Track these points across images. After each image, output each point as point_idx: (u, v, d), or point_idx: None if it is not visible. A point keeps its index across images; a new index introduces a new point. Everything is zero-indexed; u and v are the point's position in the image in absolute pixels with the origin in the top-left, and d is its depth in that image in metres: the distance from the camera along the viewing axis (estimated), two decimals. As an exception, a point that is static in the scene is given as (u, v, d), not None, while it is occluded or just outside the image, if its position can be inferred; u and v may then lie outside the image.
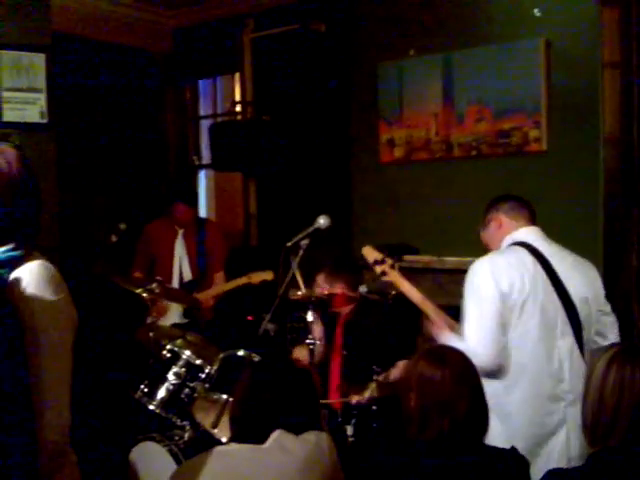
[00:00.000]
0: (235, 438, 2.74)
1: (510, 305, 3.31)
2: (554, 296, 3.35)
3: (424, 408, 2.63)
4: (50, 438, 2.23)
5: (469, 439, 2.62)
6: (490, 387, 3.29)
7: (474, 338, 3.31)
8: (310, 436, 2.73)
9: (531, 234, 3.50)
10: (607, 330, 3.54)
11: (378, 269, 3.86)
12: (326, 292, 4.60)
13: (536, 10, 5.56)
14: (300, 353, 4.60)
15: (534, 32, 5.58)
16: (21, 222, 2.33)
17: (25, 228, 2.34)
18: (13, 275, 2.23)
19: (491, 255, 3.53)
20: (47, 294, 2.25)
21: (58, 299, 2.28)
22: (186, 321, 5.76)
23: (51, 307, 2.26)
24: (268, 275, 5.51)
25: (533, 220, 3.58)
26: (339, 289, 4.65)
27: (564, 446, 3.30)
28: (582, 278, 3.46)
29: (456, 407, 2.60)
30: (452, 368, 2.66)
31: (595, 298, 3.50)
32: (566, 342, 3.35)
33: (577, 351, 3.35)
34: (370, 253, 3.95)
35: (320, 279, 4.74)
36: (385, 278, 3.85)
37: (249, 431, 2.69)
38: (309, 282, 4.70)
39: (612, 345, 2.69)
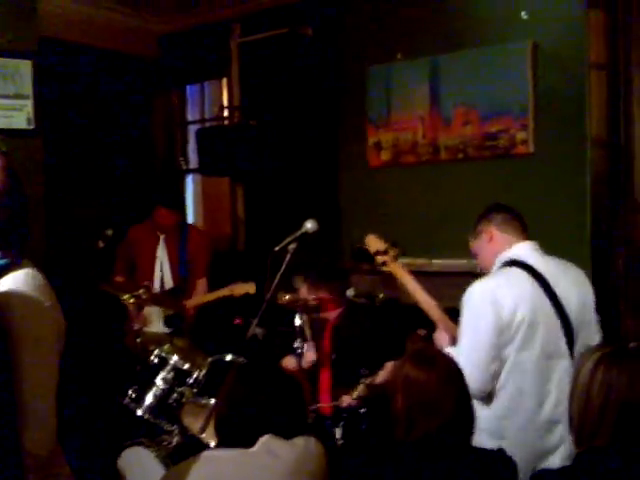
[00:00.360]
0: (221, 442, 2.73)
1: (509, 334, 3.26)
2: (554, 318, 3.29)
3: (410, 409, 2.63)
4: (33, 452, 2.19)
5: (456, 440, 2.62)
6: (486, 412, 3.30)
7: (465, 370, 3.29)
8: (299, 440, 2.73)
9: (527, 251, 3.43)
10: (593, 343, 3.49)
11: (379, 259, 3.84)
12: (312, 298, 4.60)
13: (523, 13, 5.57)
14: (288, 362, 4.60)
15: (521, 35, 5.58)
16: (7, 231, 2.31)
17: (11, 236, 2.32)
18: (0, 283, 2.22)
19: (489, 280, 3.43)
20: (31, 303, 2.23)
21: (42, 308, 2.26)
22: (168, 330, 5.64)
23: (34, 316, 2.24)
24: (250, 288, 5.33)
25: (525, 233, 3.52)
26: (323, 296, 4.65)
27: (564, 463, 3.23)
28: (580, 296, 3.40)
29: (442, 408, 2.60)
30: (438, 370, 2.66)
31: (588, 315, 3.45)
32: (564, 363, 3.31)
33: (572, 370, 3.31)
34: (373, 242, 3.92)
35: (303, 289, 4.73)
36: (385, 268, 3.82)
37: (234, 435, 2.68)
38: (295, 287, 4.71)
39: (599, 347, 2.69)
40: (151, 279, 5.82)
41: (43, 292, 2.29)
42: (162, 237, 5.95)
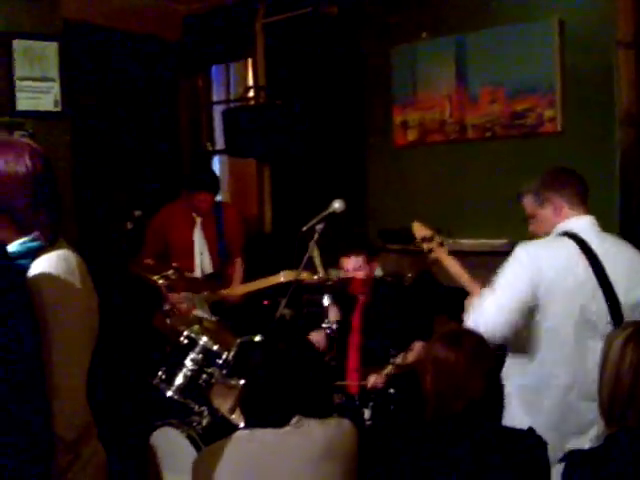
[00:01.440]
0: (249, 422, 2.75)
1: (544, 300, 3.24)
2: (599, 296, 3.24)
3: (439, 390, 2.65)
4: (58, 433, 2.21)
5: (484, 420, 2.62)
6: (520, 381, 3.30)
7: (492, 311, 3.27)
8: (332, 421, 2.75)
9: (584, 225, 3.38)
10: None
11: (426, 246, 3.81)
12: (351, 274, 4.59)
13: (549, -11, 5.53)
14: (317, 337, 4.61)
15: (547, 12, 5.54)
16: (38, 213, 2.33)
17: (43, 218, 2.34)
18: (33, 265, 2.26)
19: (540, 243, 3.42)
20: (61, 286, 2.26)
21: (72, 292, 2.29)
22: (215, 318, 5.20)
23: (64, 300, 2.27)
24: (305, 275, 4.76)
25: (587, 204, 3.45)
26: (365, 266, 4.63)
27: (594, 444, 3.15)
28: (631, 277, 3.32)
29: (470, 388, 2.60)
30: (466, 350, 2.66)
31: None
32: None
33: None
34: (419, 229, 3.89)
35: (351, 259, 4.67)
36: (432, 255, 3.78)
37: (262, 414, 2.70)
38: (326, 265, 4.70)
39: (629, 323, 2.67)
40: (191, 266, 5.65)
41: (74, 274, 2.32)
42: (199, 220, 5.77)
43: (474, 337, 2.80)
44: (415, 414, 2.82)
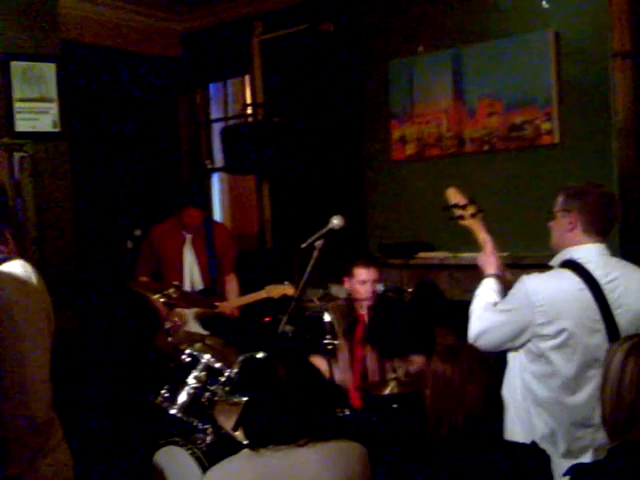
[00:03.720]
0: (250, 440, 2.75)
1: (544, 337, 3.19)
2: (600, 327, 3.17)
3: (438, 404, 2.65)
4: (26, 414, 2.41)
5: (484, 435, 2.62)
6: (517, 409, 3.29)
7: (487, 322, 3.29)
8: (342, 443, 2.73)
9: (591, 254, 3.27)
10: None
11: (457, 212, 3.73)
12: (362, 286, 4.60)
13: (544, 2, 5.55)
14: (319, 361, 4.58)
15: (543, 24, 5.57)
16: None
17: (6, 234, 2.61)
18: None
19: (543, 279, 3.29)
20: (20, 283, 2.50)
21: (30, 288, 2.53)
22: (207, 332, 5.38)
23: (23, 294, 2.49)
24: (289, 290, 5.10)
25: (603, 233, 3.34)
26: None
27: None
28: (636, 303, 3.24)
29: (468, 403, 2.60)
30: (463, 364, 2.67)
31: None
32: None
33: None
34: (453, 195, 3.81)
35: (370, 271, 4.68)
36: (462, 222, 3.70)
37: (263, 433, 2.70)
38: (324, 282, 4.71)
39: (628, 337, 2.67)
40: (181, 281, 5.65)
41: (32, 276, 2.55)
42: (189, 237, 5.84)
43: (472, 351, 2.81)
44: (418, 430, 2.81)
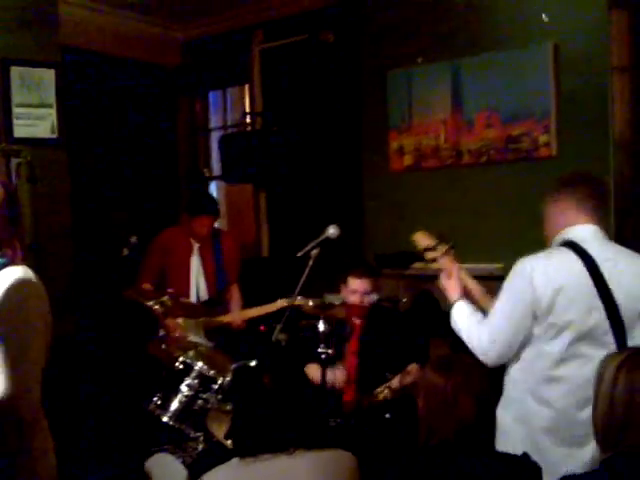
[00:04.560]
0: (238, 449, 2.74)
1: (547, 318, 3.19)
2: (598, 305, 3.18)
3: (430, 415, 2.64)
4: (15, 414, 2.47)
5: (476, 446, 2.61)
6: (519, 396, 3.28)
7: (487, 336, 3.26)
8: (331, 453, 2.72)
9: (587, 235, 3.30)
10: None
11: (429, 256, 3.74)
12: (354, 296, 4.61)
13: (544, 15, 5.55)
14: (313, 372, 4.57)
15: (542, 37, 5.57)
16: (8, 233, 2.68)
17: (12, 238, 2.69)
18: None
19: (538, 259, 3.31)
20: (20, 286, 2.56)
21: (30, 290, 2.61)
22: (210, 344, 5.35)
23: (23, 297, 2.57)
24: (300, 302, 4.75)
25: (598, 212, 3.36)
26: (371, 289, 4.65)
27: (589, 464, 3.12)
28: (632, 284, 3.24)
29: (461, 414, 2.59)
30: (457, 375, 2.66)
31: None
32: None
33: None
34: (422, 239, 3.81)
35: (364, 281, 4.69)
36: (435, 265, 3.71)
37: (253, 442, 2.69)
38: (320, 291, 4.70)
39: (622, 350, 2.67)
40: (187, 291, 5.62)
41: (33, 279, 2.63)
42: (196, 246, 5.75)
43: (466, 362, 2.80)
44: (410, 439, 2.80)
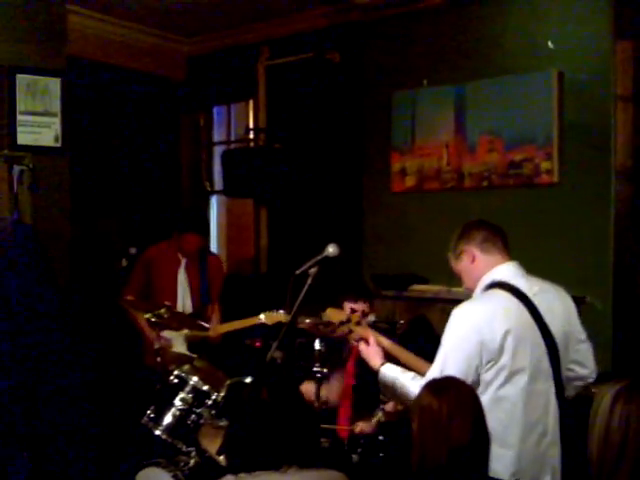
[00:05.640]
0: (232, 465, 2.73)
1: (494, 359, 3.16)
2: (540, 341, 3.21)
3: (423, 438, 2.63)
4: None
5: (469, 470, 2.60)
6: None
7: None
8: (325, 473, 2.72)
9: (510, 272, 3.34)
10: (585, 358, 3.43)
11: (344, 329, 3.80)
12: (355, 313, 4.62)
13: (549, 42, 5.58)
14: (308, 390, 4.56)
15: (547, 64, 5.60)
16: None
17: None
18: None
19: (474, 304, 3.33)
20: None
21: None
22: (194, 356, 5.33)
23: None
24: (283, 317, 5.03)
25: (507, 251, 3.43)
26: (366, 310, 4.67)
27: None
28: (562, 312, 3.34)
29: (455, 438, 2.58)
30: (451, 399, 2.65)
31: (573, 329, 3.38)
32: (549, 385, 3.23)
33: (554, 390, 3.23)
34: (334, 314, 3.90)
35: (359, 304, 4.71)
36: (352, 336, 3.77)
37: (246, 459, 2.68)
38: (316, 310, 4.69)
39: (618, 380, 2.66)
40: (173, 303, 5.63)
41: None
42: (184, 261, 5.86)
43: (460, 386, 2.79)
44: (404, 462, 2.79)
